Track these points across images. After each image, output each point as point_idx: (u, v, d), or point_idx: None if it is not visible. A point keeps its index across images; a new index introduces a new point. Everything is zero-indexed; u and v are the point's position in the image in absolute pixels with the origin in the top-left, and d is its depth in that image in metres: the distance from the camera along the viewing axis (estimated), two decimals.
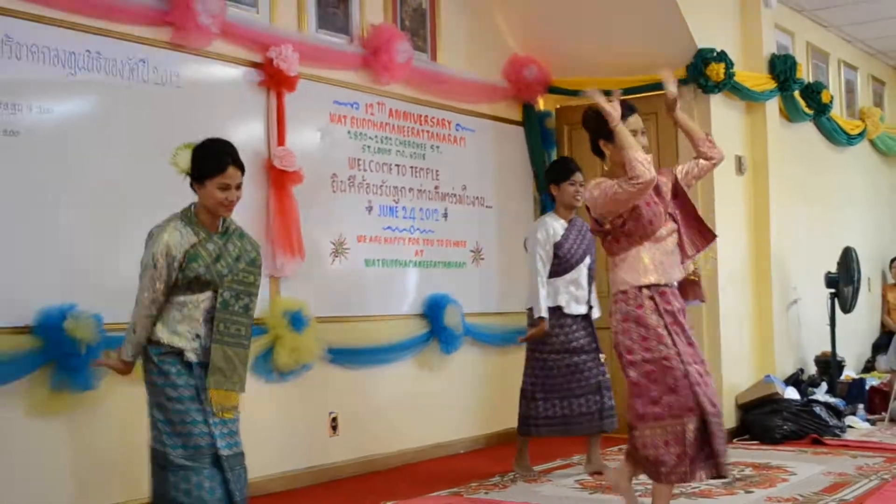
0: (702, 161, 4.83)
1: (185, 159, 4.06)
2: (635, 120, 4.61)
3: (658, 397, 4.33)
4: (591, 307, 6.17)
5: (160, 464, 4.00)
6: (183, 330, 4.01)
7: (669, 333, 4.37)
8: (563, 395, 6.01)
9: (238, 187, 4.08)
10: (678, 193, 4.70)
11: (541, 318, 5.95)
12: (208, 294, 4.03)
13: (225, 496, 4.01)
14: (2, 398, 4.70)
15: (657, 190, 4.53)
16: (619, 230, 4.46)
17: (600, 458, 6.15)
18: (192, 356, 4.01)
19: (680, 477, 4.32)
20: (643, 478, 4.62)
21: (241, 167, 4.09)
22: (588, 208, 4.60)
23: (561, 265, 6.03)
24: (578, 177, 6.08)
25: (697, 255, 4.79)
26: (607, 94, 4.49)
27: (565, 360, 6.02)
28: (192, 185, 4.08)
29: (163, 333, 4.00)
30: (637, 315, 4.41)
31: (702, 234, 4.77)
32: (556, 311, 6.02)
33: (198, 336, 4.03)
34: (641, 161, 4.26)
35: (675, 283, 4.59)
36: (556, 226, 6.07)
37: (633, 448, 4.45)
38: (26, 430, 4.81)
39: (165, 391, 3.99)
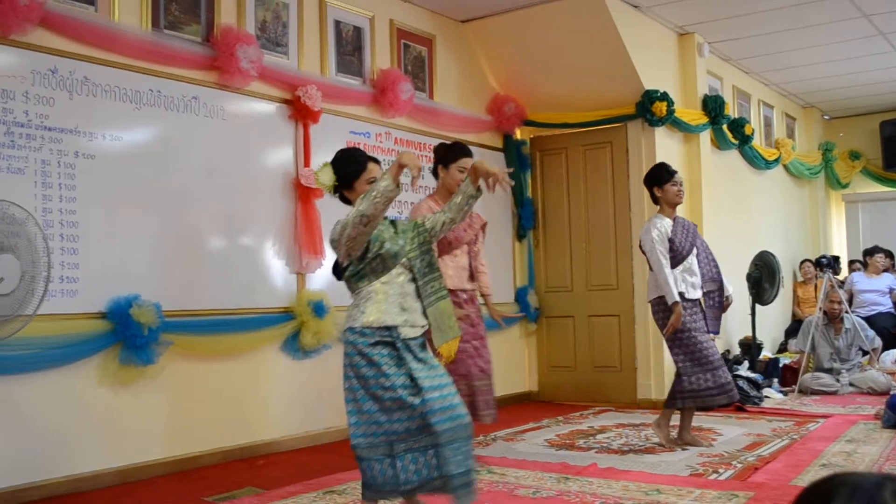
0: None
1: (328, 175, 3.67)
2: (466, 161, 5.02)
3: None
4: (704, 292, 5.69)
5: (384, 454, 3.43)
6: (393, 308, 3.45)
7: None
8: (708, 369, 5.45)
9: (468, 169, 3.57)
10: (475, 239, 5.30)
11: (675, 304, 5.39)
12: (400, 269, 3.52)
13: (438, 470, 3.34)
14: (80, 371, 4.73)
15: (470, 222, 5.19)
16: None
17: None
18: (407, 331, 3.44)
19: None
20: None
21: (377, 161, 3.72)
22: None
23: (674, 258, 5.55)
24: (678, 177, 5.67)
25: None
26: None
27: (702, 338, 5.52)
28: (341, 196, 3.72)
29: (372, 317, 3.41)
30: None
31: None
32: (680, 297, 5.45)
33: (405, 309, 3.47)
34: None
35: (466, 289, 5.16)
36: (664, 224, 5.59)
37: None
38: (99, 396, 4.83)
39: (379, 381, 3.38)
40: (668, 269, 5.44)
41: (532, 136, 8.35)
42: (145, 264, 5.09)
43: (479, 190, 3.61)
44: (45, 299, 3.96)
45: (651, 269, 5.58)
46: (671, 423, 5.68)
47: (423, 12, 7.30)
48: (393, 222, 3.71)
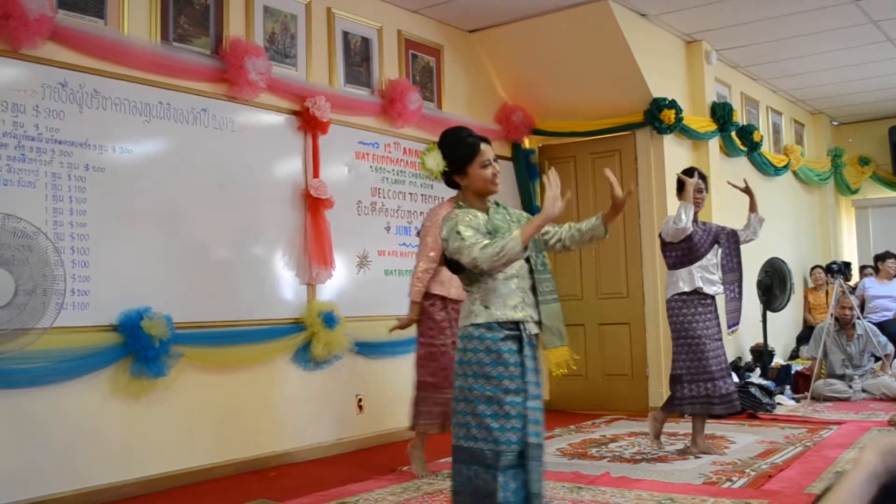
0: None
1: (435, 160, 3.28)
2: (487, 149, 4.66)
3: (434, 371, 5.03)
4: (725, 284, 5.74)
5: (488, 464, 3.04)
6: (515, 302, 3.11)
7: (451, 327, 5.00)
8: (707, 378, 5.48)
9: (496, 160, 3.29)
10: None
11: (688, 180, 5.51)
12: (520, 263, 3.15)
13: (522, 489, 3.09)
14: (91, 383, 4.72)
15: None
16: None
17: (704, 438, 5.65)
18: (532, 327, 3.14)
19: (429, 428, 5.13)
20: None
21: (488, 142, 3.30)
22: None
23: (693, 253, 5.53)
24: (703, 185, 5.66)
25: None
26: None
27: (710, 346, 5.54)
28: (451, 180, 3.32)
29: (497, 311, 3.08)
30: (429, 311, 5.06)
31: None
32: (693, 293, 5.53)
33: (527, 305, 3.14)
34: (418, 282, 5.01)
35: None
36: (689, 211, 5.48)
37: (415, 413, 5.13)
38: (110, 408, 4.83)
39: (504, 384, 3.06)
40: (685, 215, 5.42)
41: (540, 144, 8.33)
42: (156, 276, 5.09)
43: (607, 232, 3.32)
44: (59, 312, 3.96)
45: (669, 267, 5.65)
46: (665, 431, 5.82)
47: (431, 23, 7.30)
48: (506, 209, 3.36)
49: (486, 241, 3.01)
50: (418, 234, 5.29)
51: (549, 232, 3.31)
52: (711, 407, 5.47)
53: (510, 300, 3.11)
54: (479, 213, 3.20)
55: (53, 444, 4.56)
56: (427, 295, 5.06)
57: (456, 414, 3.16)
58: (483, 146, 3.25)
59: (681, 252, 5.58)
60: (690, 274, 5.53)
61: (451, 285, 5.04)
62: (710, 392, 5.45)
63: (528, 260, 3.19)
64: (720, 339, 5.62)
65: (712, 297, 5.60)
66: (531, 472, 3.09)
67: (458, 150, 3.25)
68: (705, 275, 5.57)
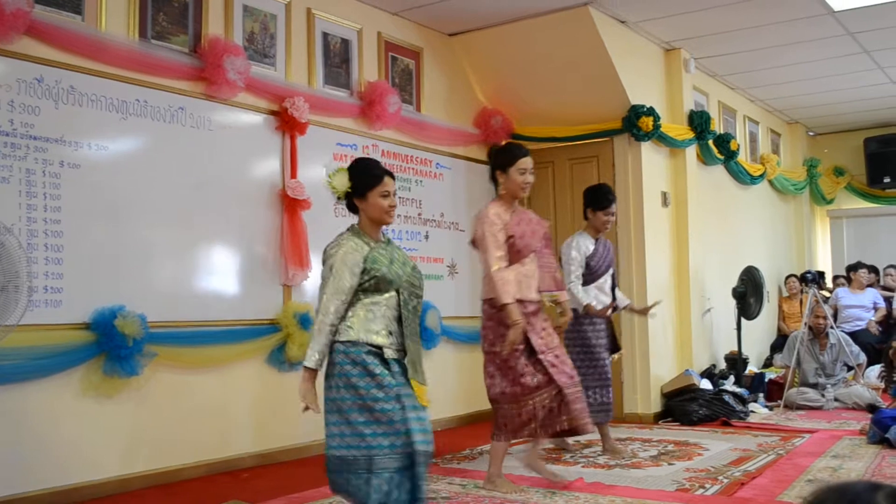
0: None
1: (341, 181, 3.67)
2: (526, 161, 4.87)
3: (513, 379, 4.67)
4: (613, 309, 5.97)
5: (362, 468, 3.41)
6: (378, 328, 3.52)
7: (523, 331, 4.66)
8: (606, 385, 5.81)
9: (394, 194, 3.71)
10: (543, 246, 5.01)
11: (587, 305, 5.74)
12: (392, 293, 3.58)
13: (410, 493, 3.44)
14: (63, 381, 4.69)
15: (534, 230, 4.92)
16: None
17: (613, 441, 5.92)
18: (390, 353, 3.52)
19: (513, 436, 4.76)
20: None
21: (392, 176, 3.73)
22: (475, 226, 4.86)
23: (592, 275, 5.83)
24: (614, 208, 5.89)
25: (544, 294, 5.02)
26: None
27: (603, 355, 5.84)
28: (350, 204, 3.75)
29: (360, 333, 3.49)
30: (499, 317, 4.69)
31: (555, 282, 5.08)
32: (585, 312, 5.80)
33: (391, 333, 3.56)
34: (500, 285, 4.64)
35: (533, 298, 4.83)
36: (587, 242, 5.86)
37: (494, 418, 4.80)
38: (82, 407, 4.79)
39: (371, 392, 3.42)
40: (579, 282, 5.80)
41: None
42: (130, 275, 5.05)
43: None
44: (27, 310, 3.92)
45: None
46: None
47: (411, 25, 7.31)
48: (398, 249, 3.78)
49: (337, 304, 3.47)
50: (472, 244, 4.96)
51: (418, 285, 3.73)
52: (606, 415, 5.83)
53: (374, 325, 3.52)
54: (365, 245, 3.61)
55: (24, 443, 4.52)
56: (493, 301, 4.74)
57: (328, 426, 3.51)
58: (387, 178, 3.67)
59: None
60: (587, 293, 5.84)
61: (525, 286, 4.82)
62: (605, 399, 5.83)
63: (399, 295, 3.60)
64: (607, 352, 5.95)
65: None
66: (419, 477, 3.41)
67: (365, 176, 3.67)
68: (600, 295, 5.89)
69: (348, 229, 3.73)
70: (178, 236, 5.37)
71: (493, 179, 4.93)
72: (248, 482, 5.20)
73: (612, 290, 6.01)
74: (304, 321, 5.85)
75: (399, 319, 3.59)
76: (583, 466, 5.40)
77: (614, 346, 6.07)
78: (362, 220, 3.72)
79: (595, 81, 7.50)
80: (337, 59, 6.59)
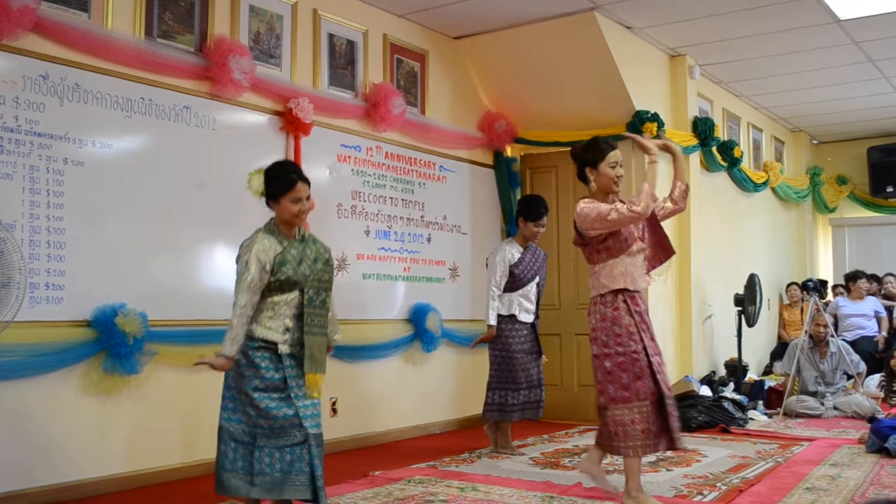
0: (669, 204, 4.77)
1: (259, 183, 3.91)
2: (615, 154, 4.59)
3: (628, 383, 4.35)
4: (537, 317, 6.12)
5: (223, 438, 3.85)
6: (275, 325, 3.80)
7: (638, 331, 4.40)
8: (513, 388, 5.95)
9: (308, 198, 3.90)
10: (650, 218, 4.61)
11: (489, 326, 5.97)
12: (295, 293, 3.83)
13: (308, 469, 3.77)
14: (63, 379, 4.68)
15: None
16: (599, 244, 4.47)
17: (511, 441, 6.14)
18: (284, 348, 3.80)
19: (644, 450, 4.33)
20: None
21: (307, 181, 3.92)
22: (574, 221, 4.53)
23: (516, 282, 5.97)
24: (544, 220, 6.02)
25: (659, 267, 4.88)
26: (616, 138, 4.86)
27: (516, 358, 5.97)
28: (268, 203, 3.93)
29: (257, 330, 3.78)
30: (613, 315, 4.43)
31: (665, 250, 4.78)
32: (510, 318, 5.98)
33: (287, 329, 3.82)
34: (653, 199, 4.39)
35: (642, 290, 4.57)
36: (513, 251, 6.00)
37: (604, 426, 4.45)
38: (82, 405, 4.79)
39: (253, 382, 3.77)
40: (495, 293, 5.97)
41: (522, 153, 8.34)
42: (132, 273, 5.05)
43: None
44: (22, 306, 3.90)
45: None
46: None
47: (417, 28, 7.31)
48: (313, 242, 3.98)
49: (248, 297, 3.71)
50: (578, 242, 4.65)
51: (329, 272, 3.99)
52: (512, 414, 5.97)
53: (272, 323, 3.79)
54: (278, 245, 3.80)
55: (23, 440, 4.51)
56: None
57: (223, 399, 3.88)
58: (299, 185, 3.84)
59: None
60: (510, 300, 6.01)
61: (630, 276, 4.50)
62: (515, 401, 5.97)
63: (303, 294, 3.83)
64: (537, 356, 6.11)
65: (528, 324, 6.06)
66: (315, 457, 3.75)
67: (277, 181, 3.85)
68: (523, 301, 6.04)
69: (264, 226, 3.90)
70: (180, 235, 5.37)
71: (582, 177, 4.62)
72: None
73: (538, 298, 6.13)
74: None
75: (300, 316, 3.83)
76: (581, 471, 5.38)
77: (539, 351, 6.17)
78: (277, 219, 3.90)
79: (600, 86, 7.49)
80: (342, 60, 6.58)
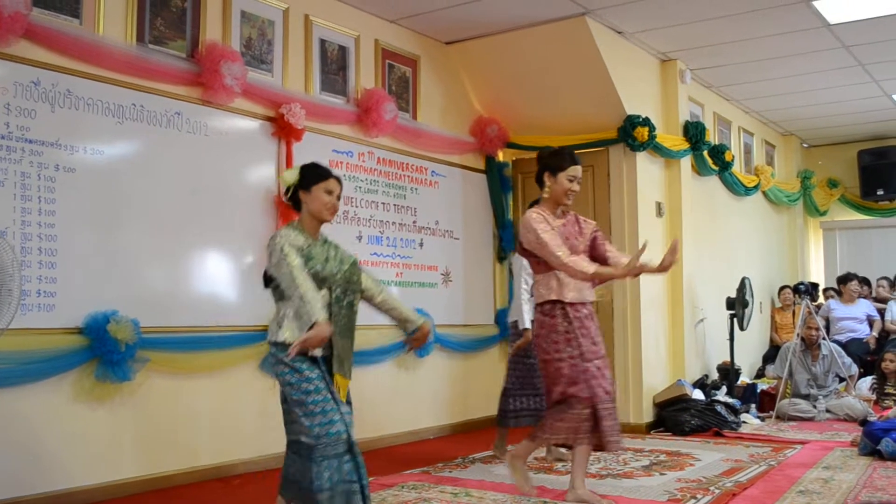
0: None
1: (292, 174, 3.82)
2: (576, 169, 4.68)
3: (565, 387, 4.53)
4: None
5: (304, 454, 3.58)
6: (304, 326, 3.55)
7: (577, 336, 4.55)
8: (538, 392, 5.74)
9: (338, 198, 3.84)
10: (594, 241, 4.72)
11: (525, 330, 5.71)
12: (324, 291, 3.67)
13: (357, 479, 3.60)
14: (54, 386, 4.66)
15: (580, 230, 4.70)
16: (539, 256, 4.61)
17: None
18: (317, 351, 3.61)
19: (559, 441, 4.66)
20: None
21: (341, 183, 3.87)
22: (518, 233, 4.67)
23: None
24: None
25: (599, 286, 4.92)
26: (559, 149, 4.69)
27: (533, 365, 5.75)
28: (294, 199, 3.83)
29: (287, 333, 3.61)
30: (551, 323, 4.61)
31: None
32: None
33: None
34: (581, 276, 4.48)
35: (588, 299, 4.67)
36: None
37: (542, 424, 4.71)
38: (74, 412, 4.77)
39: (301, 386, 3.58)
40: (527, 296, 5.72)
41: (514, 158, 8.35)
42: (124, 280, 5.04)
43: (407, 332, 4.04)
44: (20, 313, 3.90)
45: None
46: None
47: (409, 33, 7.31)
48: (336, 247, 3.88)
49: (302, 274, 3.55)
50: (521, 250, 4.85)
51: (366, 281, 3.92)
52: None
53: (300, 323, 3.57)
54: (302, 237, 3.72)
55: (15, 447, 4.49)
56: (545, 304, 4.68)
57: (288, 413, 3.69)
58: (333, 181, 3.81)
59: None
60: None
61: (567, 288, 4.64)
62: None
63: (331, 292, 3.72)
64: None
65: None
66: (360, 465, 3.61)
67: (314, 171, 3.82)
68: None
69: (287, 224, 3.85)
70: (172, 241, 5.36)
71: (539, 181, 4.74)
72: (239, 488, 5.18)
73: None
74: None
75: (330, 317, 3.66)
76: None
77: None
78: (303, 216, 3.83)
79: (591, 91, 7.51)
80: (334, 65, 6.58)
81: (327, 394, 3.60)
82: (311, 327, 3.47)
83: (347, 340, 3.78)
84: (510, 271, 5.85)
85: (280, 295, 3.71)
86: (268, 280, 3.80)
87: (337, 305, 3.73)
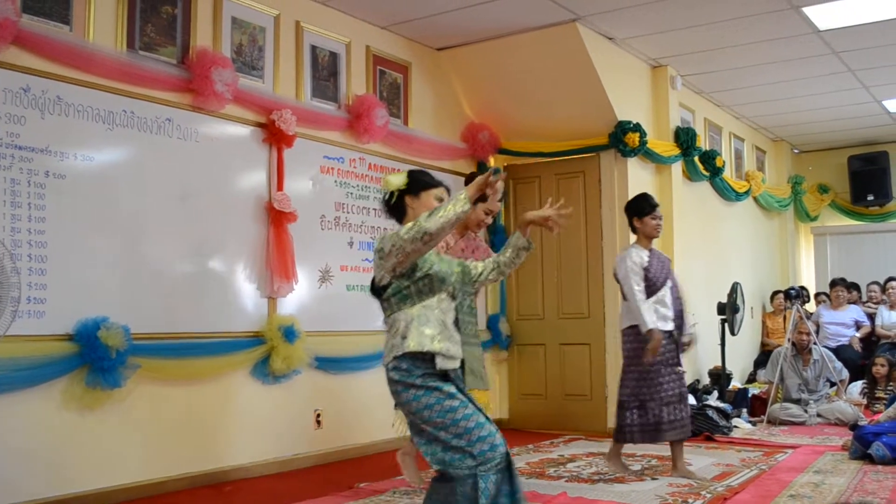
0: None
1: (400, 178, 3.43)
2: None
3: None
4: (678, 327, 5.60)
5: (455, 477, 3.04)
6: (433, 332, 3.14)
7: None
8: (656, 404, 5.46)
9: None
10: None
11: (650, 331, 5.34)
12: (444, 296, 3.26)
13: (512, 494, 3.09)
14: (45, 393, 4.64)
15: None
16: None
17: (685, 463, 5.60)
18: (446, 363, 3.15)
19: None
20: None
21: (449, 191, 3.50)
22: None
23: (649, 287, 5.49)
24: (658, 211, 5.64)
25: None
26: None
27: (664, 371, 5.51)
28: (397, 203, 3.42)
29: (412, 343, 3.10)
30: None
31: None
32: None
33: (446, 339, 3.18)
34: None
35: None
36: (641, 254, 5.55)
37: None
38: (64, 419, 4.75)
39: (444, 405, 3.08)
40: (642, 296, 5.41)
41: (506, 164, 8.35)
42: (114, 286, 5.02)
43: (530, 243, 3.52)
44: (13, 320, 3.88)
45: (625, 298, 5.55)
46: (624, 452, 5.78)
47: (400, 39, 7.32)
48: (437, 253, 3.48)
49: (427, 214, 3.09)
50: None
51: (478, 267, 3.54)
52: (661, 434, 5.47)
53: (427, 329, 3.13)
54: None
55: (4, 454, 4.47)
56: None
57: (429, 444, 3.12)
58: (443, 189, 3.45)
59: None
60: (648, 306, 5.43)
61: None
62: (658, 419, 5.45)
63: (453, 296, 3.30)
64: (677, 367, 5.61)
65: (668, 332, 5.51)
66: (515, 477, 3.09)
67: (424, 177, 3.46)
68: (659, 308, 5.49)
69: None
70: (163, 248, 5.35)
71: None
72: (230, 495, 5.17)
73: (678, 305, 5.69)
74: (289, 334, 5.83)
75: (457, 325, 3.29)
76: (566, 481, 5.39)
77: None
78: (408, 220, 3.37)
79: (582, 97, 7.52)
80: (325, 72, 6.58)
81: (474, 407, 3.13)
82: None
83: (477, 349, 3.44)
84: (616, 277, 5.64)
85: (393, 305, 3.23)
86: (379, 290, 3.27)
87: (460, 312, 3.36)
